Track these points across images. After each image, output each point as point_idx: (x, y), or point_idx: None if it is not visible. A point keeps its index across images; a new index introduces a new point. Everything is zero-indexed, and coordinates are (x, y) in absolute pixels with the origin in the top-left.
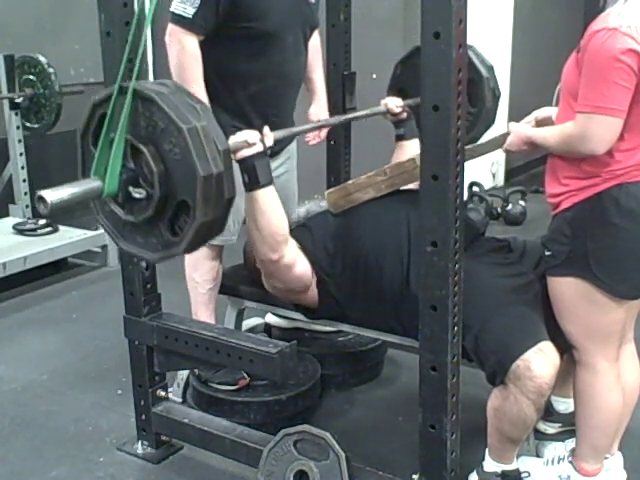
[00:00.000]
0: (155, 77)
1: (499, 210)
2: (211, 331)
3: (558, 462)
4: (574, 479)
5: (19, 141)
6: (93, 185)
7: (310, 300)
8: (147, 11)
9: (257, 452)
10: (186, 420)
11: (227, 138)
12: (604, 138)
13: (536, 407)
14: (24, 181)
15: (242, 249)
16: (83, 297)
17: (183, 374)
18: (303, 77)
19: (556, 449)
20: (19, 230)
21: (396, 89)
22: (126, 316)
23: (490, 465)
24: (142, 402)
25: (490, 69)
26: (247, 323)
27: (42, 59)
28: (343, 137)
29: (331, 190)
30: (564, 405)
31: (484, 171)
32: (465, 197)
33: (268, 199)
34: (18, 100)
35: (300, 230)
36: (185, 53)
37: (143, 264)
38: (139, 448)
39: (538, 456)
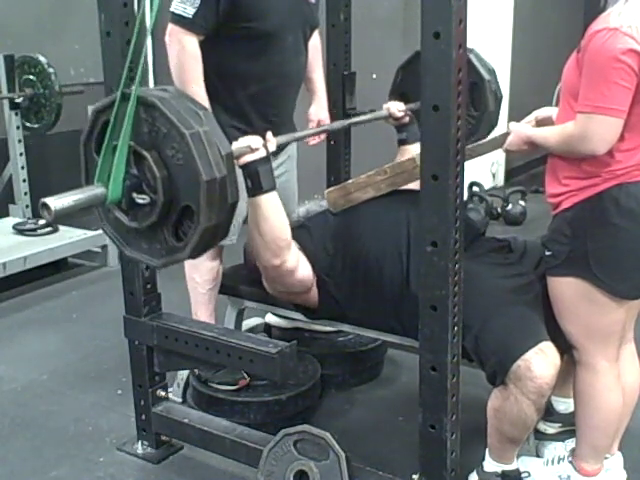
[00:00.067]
0: (155, 77)
1: (499, 210)
2: (211, 331)
3: (558, 462)
4: (574, 479)
5: (19, 141)
6: (97, 192)
7: (311, 300)
8: (148, 18)
9: (257, 452)
10: (186, 420)
11: (228, 138)
12: (604, 138)
13: (536, 407)
14: (24, 181)
15: (242, 249)
16: (83, 297)
17: (183, 374)
18: (303, 77)
19: (556, 449)
20: (19, 230)
21: (398, 94)
22: (126, 316)
23: (490, 465)
24: (142, 402)
25: (492, 72)
26: (247, 323)
27: (42, 59)
28: (343, 137)
29: (331, 189)
30: (564, 405)
31: (484, 171)
32: (465, 197)
33: (271, 204)
34: (18, 100)
35: (300, 230)
36: (185, 53)
37: (143, 264)
38: (139, 448)
39: (538, 456)
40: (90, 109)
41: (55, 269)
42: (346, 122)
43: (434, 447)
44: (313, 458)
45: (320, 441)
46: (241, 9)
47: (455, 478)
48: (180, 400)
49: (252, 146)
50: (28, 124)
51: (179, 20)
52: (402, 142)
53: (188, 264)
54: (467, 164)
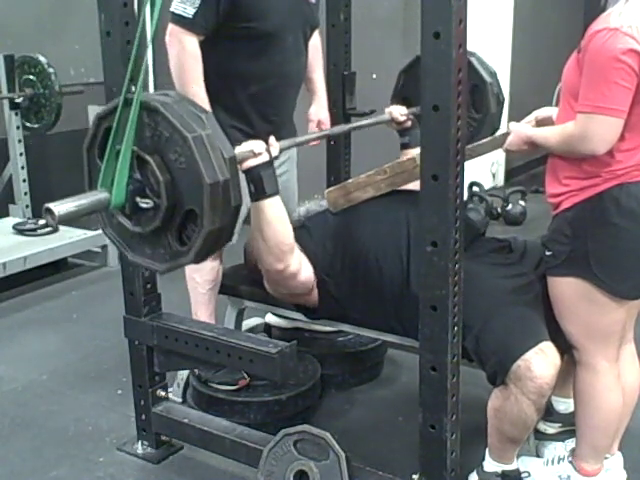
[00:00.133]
0: (155, 77)
1: (499, 210)
2: (211, 331)
3: (558, 462)
4: (574, 479)
5: (19, 141)
6: (100, 197)
7: (311, 300)
8: (149, 21)
9: (257, 452)
10: (186, 420)
11: (228, 138)
12: (605, 138)
13: (536, 407)
14: (24, 181)
15: (242, 249)
16: (83, 297)
17: (183, 374)
18: (303, 77)
19: (556, 449)
20: (19, 230)
21: (400, 98)
22: (126, 316)
23: (490, 465)
24: (142, 402)
25: (493, 75)
26: (247, 323)
27: (42, 59)
28: (343, 137)
29: (331, 189)
30: (564, 405)
31: (484, 171)
32: (465, 197)
33: (274, 209)
34: (18, 100)
35: (300, 230)
36: (185, 53)
37: None
38: (139, 448)
39: (538, 456)
40: (90, 110)
41: (55, 269)
42: (347, 126)
43: (434, 447)
44: (313, 458)
45: (320, 441)
46: (241, 9)
47: (455, 478)
48: (180, 400)
49: (255, 150)
50: (28, 124)
51: (179, 20)
52: (404, 146)
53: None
54: (467, 164)
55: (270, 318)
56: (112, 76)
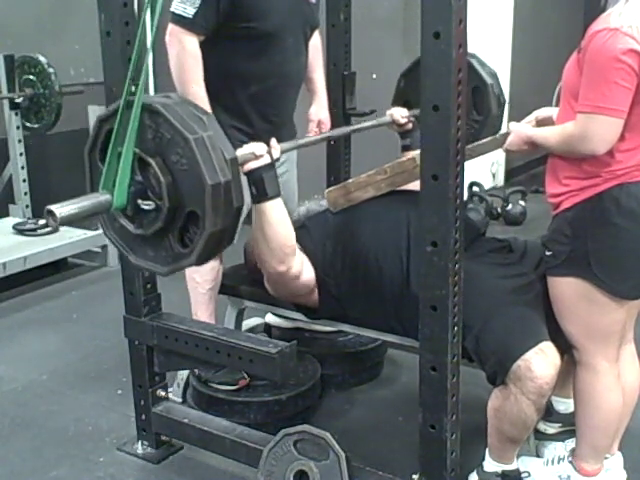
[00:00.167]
0: (155, 77)
1: (499, 210)
2: (211, 331)
3: (558, 462)
4: (574, 479)
5: (19, 141)
6: (102, 199)
7: (312, 300)
8: (148, 26)
9: (257, 452)
10: (186, 420)
11: (228, 138)
12: (605, 138)
13: (536, 407)
14: (24, 181)
15: (242, 249)
16: (83, 297)
17: (183, 374)
18: (303, 77)
19: (556, 449)
20: (19, 230)
21: (401, 101)
22: (126, 316)
23: (490, 465)
24: (142, 402)
25: (494, 76)
26: (247, 323)
27: (42, 59)
28: (343, 137)
29: (331, 189)
30: (564, 405)
31: (484, 171)
32: (465, 197)
33: (276, 211)
34: (18, 100)
35: (300, 230)
36: (185, 53)
37: None
38: (139, 448)
39: (538, 456)
40: (90, 110)
41: (55, 269)
42: (348, 129)
43: (434, 447)
44: (313, 458)
45: (320, 441)
46: (241, 9)
47: (455, 478)
48: (180, 400)
49: (256, 153)
50: (28, 124)
51: (179, 20)
52: (406, 148)
53: None
54: (467, 164)
55: (270, 318)
56: (112, 76)
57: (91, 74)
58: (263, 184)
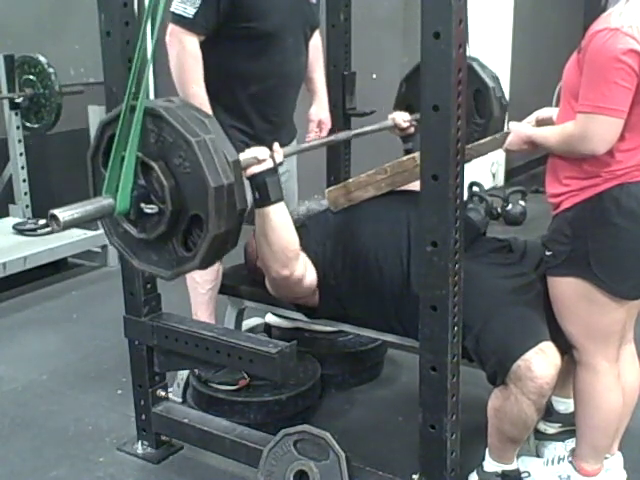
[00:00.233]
0: (155, 77)
1: (499, 210)
2: (211, 331)
3: (558, 462)
4: (574, 479)
5: (19, 141)
6: (105, 203)
7: (312, 301)
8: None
9: (257, 452)
10: (186, 420)
11: (228, 137)
12: (604, 138)
13: (537, 407)
14: (24, 181)
15: (242, 249)
16: (83, 297)
17: (183, 374)
18: (304, 77)
19: (556, 449)
20: (19, 230)
21: (403, 106)
22: (126, 316)
23: (490, 465)
24: (142, 402)
25: (495, 79)
26: (247, 323)
27: (42, 59)
28: None
29: (331, 188)
30: (564, 405)
31: (484, 171)
32: (465, 197)
33: (279, 215)
34: (18, 100)
35: (300, 230)
36: (185, 53)
37: None
38: (139, 448)
39: (538, 456)
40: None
41: (55, 269)
42: (351, 133)
43: (434, 447)
44: (313, 458)
45: (320, 441)
46: (242, 9)
47: (455, 478)
48: (180, 400)
49: (259, 157)
50: (28, 124)
51: (180, 20)
52: (408, 152)
53: None
54: (467, 164)
55: (270, 318)
56: (112, 76)
57: (91, 74)
58: (266, 188)
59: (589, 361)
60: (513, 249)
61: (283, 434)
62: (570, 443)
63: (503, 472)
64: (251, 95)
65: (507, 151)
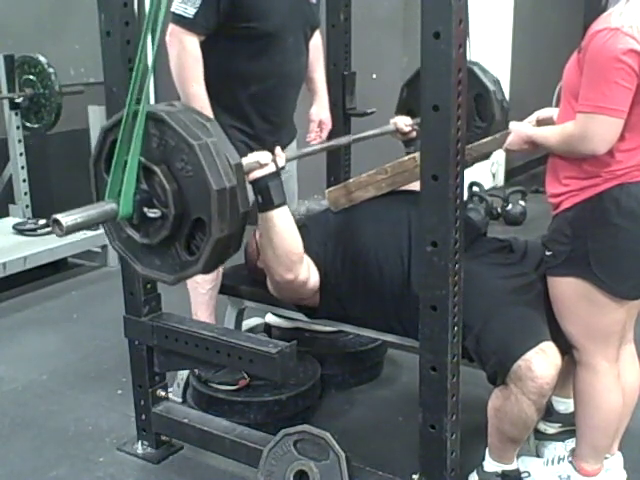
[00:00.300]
0: (155, 77)
1: (499, 210)
2: (211, 331)
3: (558, 462)
4: (574, 479)
5: (19, 141)
6: (107, 207)
7: (313, 301)
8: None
9: (257, 452)
10: (186, 420)
11: (228, 138)
12: (605, 138)
13: (537, 407)
14: (24, 181)
15: (242, 249)
16: (83, 297)
17: (183, 374)
18: (304, 77)
19: (556, 449)
20: (19, 230)
21: (404, 111)
22: (126, 316)
23: (490, 465)
24: (142, 402)
25: (496, 82)
26: (247, 323)
27: (42, 59)
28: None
29: (332, 188)
30: (564, 405)
31: (484, 171)
32: (465, 197)
33: (282, 219)
34: (18, 100)
35: (300, 231)
36: (186, 53)
37: None
38: (139, 448)
39: (538, 456)
40: (90, 110)
41: (55, 269)
42: (352, 137)
43: (434, 447)
44: (313, 458)
45: (320, 441)
46: (242, 9)
47: (455, 478)
48: (180, 400)
49: (261, 161)
50: (28, 124)
51: (180, 20)
52: None
53: None
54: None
55: (270, 318)
56: (112, 76)
57: (91, 74)
58: (269, 193)
59: (589, 361)
60: (514, 249)
61: (283, 434)
62: (570, 443)
63: (503, 472)
64: (251, 95)
65: (508, 151)
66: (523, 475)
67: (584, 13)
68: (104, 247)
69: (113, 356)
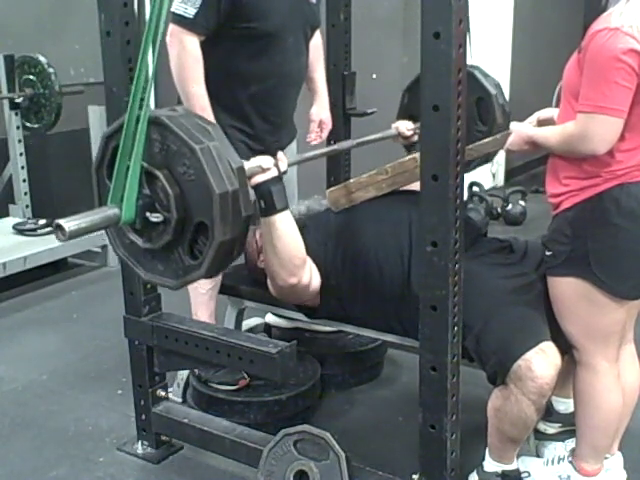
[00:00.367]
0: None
1: (499, 210)
2: (211, 331)
3: (558, 462)
4: (574, 479)
5: (19, 141)
6: (110, 213)
7: (313, 301)
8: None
9: (257, 452)
10: (186, 420)
11: (228, 138)
12: (605, 138)
13: (537, 407)
14: (24, 181)
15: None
16: (83, 297)
17: (183, 374)
18: (304, 77)
19: (556, 449)
20: (19, 230)
21: (405, 117)
22: (126, 316)
23: (490, 465)
24: (142, 402)
25: (497, 86)
26: (247, 323)
27: (42, 59)
28: (343, 137)
29: (332, 189)
30: (564, 405)
31: (484, 171)
32: (465, 197)
33: (285, 223)
34: (18, 100)
35: (301, 231)
36: (186, 53)
37: None
38: (139, 448)
39: (538, 456)
40: (90, 110)
41: (55, 269)
42: (354, 142)
43: (434, 447)
44: (313, 458)
45: (320, 441)
46: (242, 9)
47: (455, 478)
48: (180, 400)
49: (263, 166)
50: (28, 124)
51: (180, 20)
52: None
53: None
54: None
55: (270, 318)
56: (112, 76)
57: (91, 74)
58: (271, 197)
59: (589, 361)
60: (514, 249)
61: (283, 434)
62: (570, 443)
63: (503, 472)
64: (251, 95)
65: (508, 151)
66: (523, 475)
67: (584, 13)
68: (104, 247)
69: (113, 356)
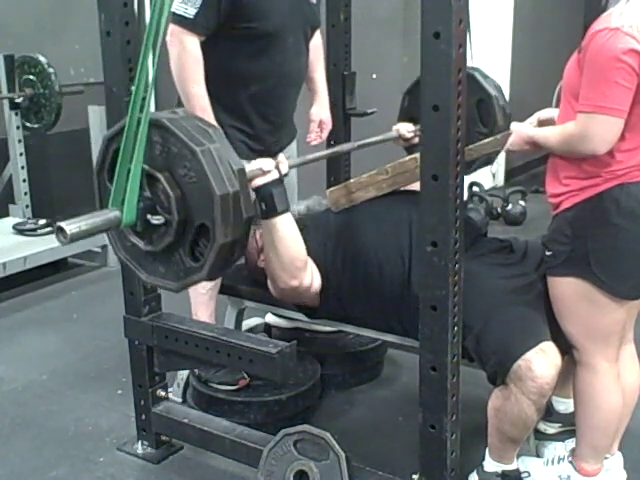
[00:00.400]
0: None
1: (499, 210)
2: (211, 331)
3: (558, 462)
4: (574, 479)
5: (19, 141)
6: (111, 215)
7: (314, 301)
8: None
9: (257, 452)
10: (186, 420)
11: (228, 138)
12: (605, 138)
13: (537, 407)
14: (24, 181)
15: None
16: (83, 297)
17: (183, 374)
18: (304, 77)
19: (556, 449)
20: (19, 230)
21: (406, 119)
22: (126, 316)
23: (490, 465)
24: (142, 402)
25: (498, 88)
26: (247, 323)
27: (42, 59)
28: (343, 137)
29: (332, 189)
30: (564, 405)
31: (484, 171)
32: (465, 197)
33: (286, 226)
34: (18, 100)
35: (301, 232)
36: (186, 53)
37: None
38: (139, 448)
39: (538, 456)
40: (90, 110)
41: (55, 269)
42: (355, 144)
43: (434, 447)
44: (313, 458)
45: (320, 441)
46: (242, 9)
47: (455, 478)
48: (180, 400)
49: (264, 168)
50: (28, 124)
51: (180, 20)
52: None
53: None
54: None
55: (270, 318)
56: (112, 76)
57: (91, 74)
58: (272, 200)
59: (589, 361)
60: (514, 249)
61: (283, 434)
62: (570, 443)
63: (503, 472)
64: (251, 95)
65: (509, 151)
66: (523, 475)
67: (584, 13)
68: (104, 247)
69: (113, 356)
